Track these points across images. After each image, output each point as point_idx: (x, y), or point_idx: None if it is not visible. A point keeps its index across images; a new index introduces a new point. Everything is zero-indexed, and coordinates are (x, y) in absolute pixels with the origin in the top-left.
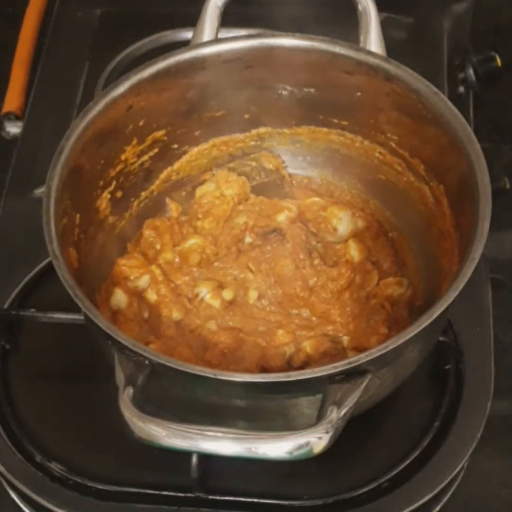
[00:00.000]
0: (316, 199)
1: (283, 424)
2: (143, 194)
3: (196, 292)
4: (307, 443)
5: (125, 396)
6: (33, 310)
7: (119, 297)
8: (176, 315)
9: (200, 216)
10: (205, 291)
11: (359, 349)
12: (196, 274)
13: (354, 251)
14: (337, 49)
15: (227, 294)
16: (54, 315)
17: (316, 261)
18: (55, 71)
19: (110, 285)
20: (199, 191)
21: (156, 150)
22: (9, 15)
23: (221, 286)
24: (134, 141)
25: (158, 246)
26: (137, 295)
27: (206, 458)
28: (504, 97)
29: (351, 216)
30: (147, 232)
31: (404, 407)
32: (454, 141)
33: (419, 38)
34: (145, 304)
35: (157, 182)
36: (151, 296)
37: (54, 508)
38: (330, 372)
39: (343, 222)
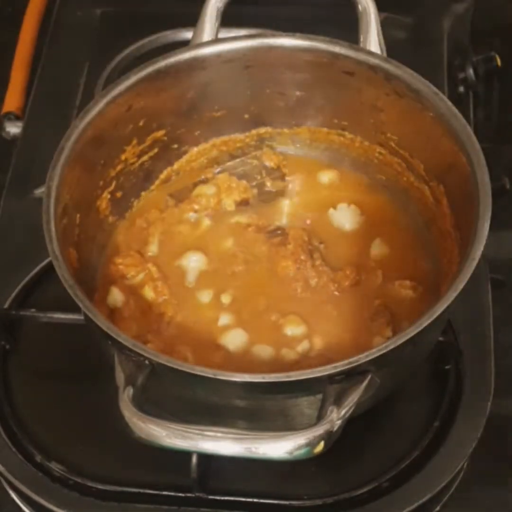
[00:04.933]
0: (317, 198)
1: (283, 424)
2: (143, 194)
3: (195, 290)
4: (307, 443)
5: (125, 396)
6: (33, 310)
7: (116, 296)
8: (173, 313)
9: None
10: (205, 290)
11: (361, 350)
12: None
13: (376, 248)
14: (337, 49)
15: (226, 295)
16: (54, 315)
17: (318, 262)
18: (55, 71)
19: (106, 284)
20: (198, 190)
21: (156, 150)
22: (9, 15)
23: (221, 285)
24: (134, 141)
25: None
26: (134, 293)
27: (206, 458)
28: (504, 97)
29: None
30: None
31: (404, 407)
32: (454, 141)
33: (419, 38)
34: (142, 302)
35: (157, 182)
36: (148, 293)
37: (54, 508)
38: (330, 372)
39: (344, 222)
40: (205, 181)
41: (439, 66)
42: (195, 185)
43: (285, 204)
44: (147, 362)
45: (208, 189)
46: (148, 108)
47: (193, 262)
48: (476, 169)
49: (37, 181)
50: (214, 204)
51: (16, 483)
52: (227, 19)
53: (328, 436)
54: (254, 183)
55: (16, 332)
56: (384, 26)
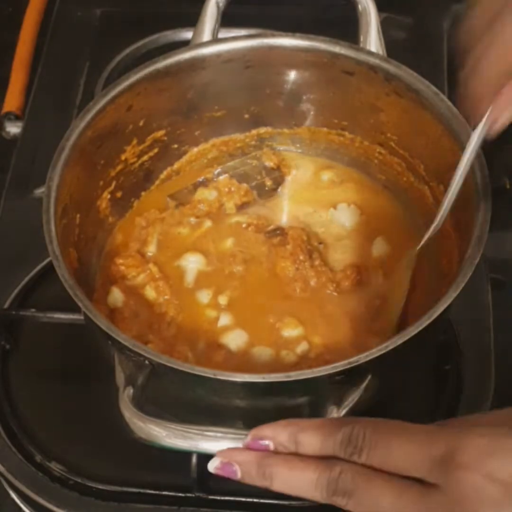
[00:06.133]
0: (317, 198)
1: None
2: (143, 194)
3: (194, 291)
4: None
5: (125, 396)
6: (33, 310)
7: (116, 296)
8: (174, 313)
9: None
10: (204, 291)
11: (361, 350)
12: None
13: (377, 247)
14: (337, 49)
15: (225, 296)
16: (54, 315)
17: (317, 262)
18: (55, 71)
19: (106, 284)
20: (198, 194)
21: (156, 150)
22: (9, 15)
23: (220, 286)
24: (134, 141)
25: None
26: (135, 293)
27: (206, 458)
28: None
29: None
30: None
31: (404, 407)
32: (454, 141)
33: (419, 38)
34: (143, 302)
35: (157, 182)
36: (149, 293)
37: (54, 508)
38: (330, 372)
39: (344, 222)
40: (205, 183)
41: (439, 66)
42: (196, 186)
43: (285, 204)
44: (147, 362)
45: (209, 194)
46: (148, 108)
47: (192, 263)
48: (476, 169)
49: (37, 181)
50: (215, 209)
51: (16, 483)
52: (227, 19)
53: None
54: (254, 183)
55: (16, 332)
56: (384, 26)
